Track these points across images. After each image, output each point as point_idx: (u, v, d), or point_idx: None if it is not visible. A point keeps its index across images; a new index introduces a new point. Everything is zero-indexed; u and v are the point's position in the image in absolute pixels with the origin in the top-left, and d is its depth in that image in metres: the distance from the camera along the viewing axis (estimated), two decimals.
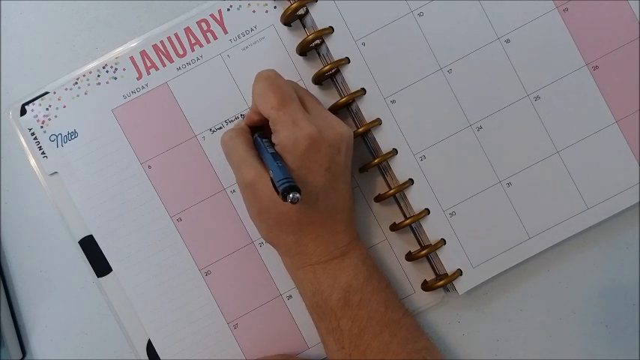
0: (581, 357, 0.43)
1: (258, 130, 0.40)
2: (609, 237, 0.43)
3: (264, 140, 0.38)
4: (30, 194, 0.44)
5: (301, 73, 0.43)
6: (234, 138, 0.38)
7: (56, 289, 0.44)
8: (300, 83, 0.43)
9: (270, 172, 0.35)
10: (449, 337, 0.44)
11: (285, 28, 0.43)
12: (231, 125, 0.43)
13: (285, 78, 0.39)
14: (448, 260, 0.42)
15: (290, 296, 0.43)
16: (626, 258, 0.43)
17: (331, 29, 0.41)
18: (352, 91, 0.41)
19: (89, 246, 0.43)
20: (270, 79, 0.37)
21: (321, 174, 0.36)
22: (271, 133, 0.37)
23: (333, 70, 0.42)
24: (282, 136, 0.36)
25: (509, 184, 0.42)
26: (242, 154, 0.38)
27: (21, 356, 0.44)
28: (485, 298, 0.44)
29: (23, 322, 0.44)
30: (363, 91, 0.41)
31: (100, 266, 0.43)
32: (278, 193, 0.34)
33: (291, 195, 0.33)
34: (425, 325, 0.43)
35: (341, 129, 0.38)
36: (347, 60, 0.41)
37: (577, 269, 0.43)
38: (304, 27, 0.43)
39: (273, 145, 0.38)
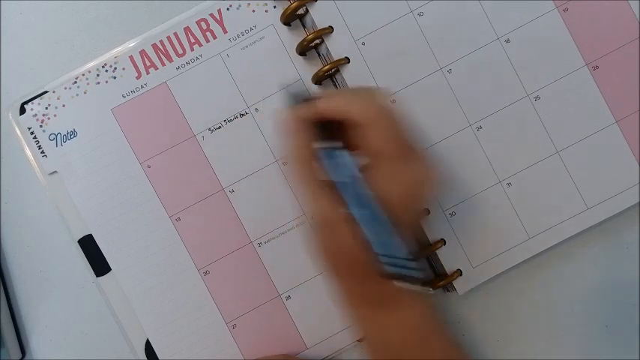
0: (581, 357, 0.43)
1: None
2: (609, 237, 0.43)
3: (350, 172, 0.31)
4: (30, 194, 0.44)
5: (301, 72, 0.43)
6: (299, 136, 0.33)
7: (56, 289, 0.44)
8: (300, 83, 0.42)
9: (364, 229, 0.29)
10: None
11: (285, 27, 0.43)
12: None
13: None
14: (448, 260, 0.42)
15: (289, 296, 0.43)
16: (626, 258, 0.43)
17: (331, 29, 0.41)
18: None
19: (88, 245, 0.43)
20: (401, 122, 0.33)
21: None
22: (336, 135, 0.33)
23: (332, 70, 0.42)
24: (392, 183, 0.31)
25: (509, 184, 0.42)
26: (307, 169, 0.32)
27: (21, 356, 0.44)
28: (486, 298, 0.43)
29: (23, 322, 0.44)
30: None
31: (99, 266, 0.43)
32: (376, 262, 0.28)
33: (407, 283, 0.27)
34: None
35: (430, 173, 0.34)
36: (347, 60, 0.41)
37: (577, 269, 0.43)
38: (304, 27, 0.43)
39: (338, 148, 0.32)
